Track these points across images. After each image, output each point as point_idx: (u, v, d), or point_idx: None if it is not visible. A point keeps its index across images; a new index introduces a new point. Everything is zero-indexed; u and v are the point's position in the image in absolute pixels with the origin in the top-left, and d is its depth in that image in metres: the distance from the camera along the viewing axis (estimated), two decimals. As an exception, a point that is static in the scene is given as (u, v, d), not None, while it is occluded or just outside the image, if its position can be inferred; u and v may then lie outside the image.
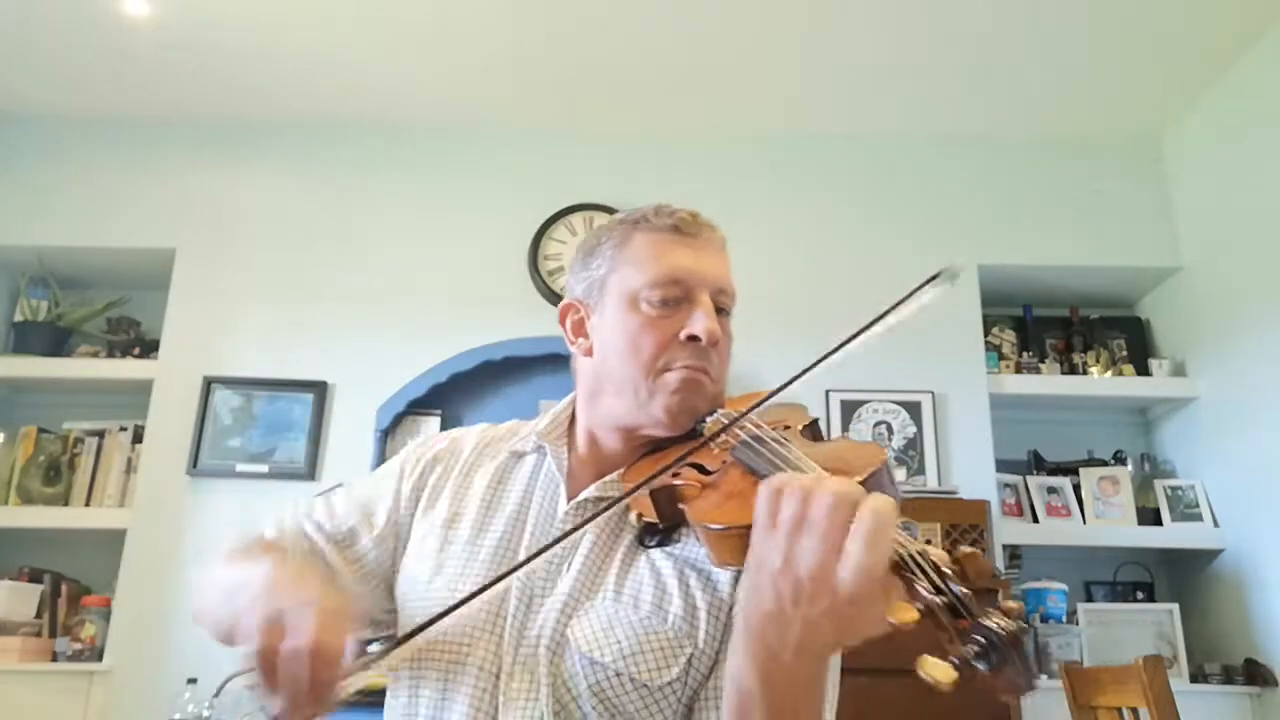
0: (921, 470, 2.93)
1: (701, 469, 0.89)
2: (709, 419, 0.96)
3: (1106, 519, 2.98)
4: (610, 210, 3.11)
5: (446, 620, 0.90)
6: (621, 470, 0.99)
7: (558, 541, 0.79)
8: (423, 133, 3.30)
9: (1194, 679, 2.74)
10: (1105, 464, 3.12)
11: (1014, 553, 2.95)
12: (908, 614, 0.57)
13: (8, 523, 2.96)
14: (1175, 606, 2.89)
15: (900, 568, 0.60)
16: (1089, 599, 3.04)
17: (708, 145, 3.29)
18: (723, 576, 0.90)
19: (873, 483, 0.71)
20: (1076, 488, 3.05)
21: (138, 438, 3.04)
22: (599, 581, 0.92)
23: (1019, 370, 3.15)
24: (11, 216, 3.19)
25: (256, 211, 3.23)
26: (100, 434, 3.10)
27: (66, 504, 3.01)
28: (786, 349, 2.90)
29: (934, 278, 0.82)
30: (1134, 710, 1.89)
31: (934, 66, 2.97)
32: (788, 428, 0.94)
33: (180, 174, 3.26)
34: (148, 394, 3.02)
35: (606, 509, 0.82)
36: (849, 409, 3.00)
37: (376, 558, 1.04)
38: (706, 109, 3.22)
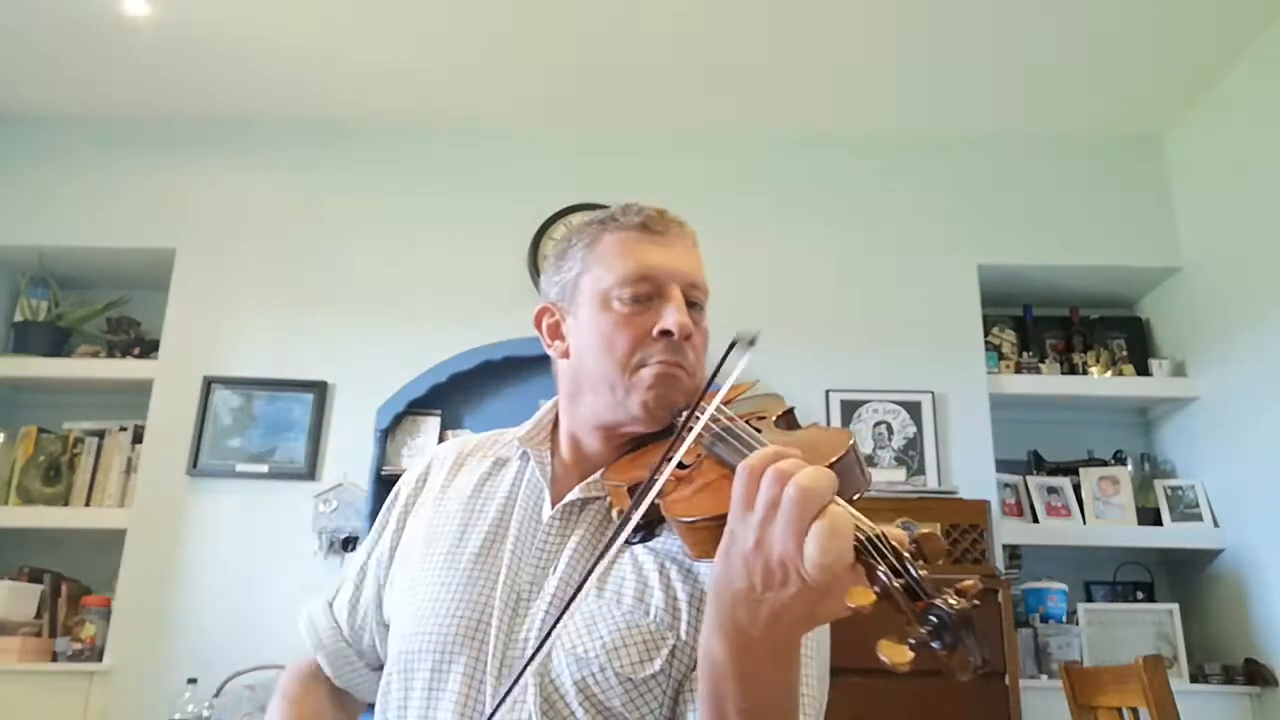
0: (921, 470, 2.93)
1: (679, 464, 0.89)
2: (684, 413, 0.97)
3: (1106, 519, 2.98)
4: (610, 210, 3.10)
5: (439, 626, 0.93)
6: (602, 470, 0.99)
7: (595, 564, 0.78)
8: (423, 133, 3.30)
9: (1194, 679, 2.74)
10: (1105, 464, 3.12)
11: (1014, 553, 2.95)
12: (864, 598, 0.58)
13: (8, 523, 2.96)
14: (1175, 606, 2.89)
15: (860, 552, 0.61)
16: (1089, 599, 3.04)
17: (708, 145, 3.29)
18: (702, 568, 0.91)
19: (841, 466, 0.71)
20: (1076, 488, 3.05)
21: (138, 438, 3.04)
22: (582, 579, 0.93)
23: (1019, 370, 3.15)
24: (11, 216, 3.20)
25: (256, 211, 3.23)
26: (100, 434, 3.10)
27: (66, 504, 3.01)
28: (787, 348, 2.92)
29: (731, 346, 0.84)
30: (1134, 710, 1.89)
31: (934, 66, 2.97)
32: (763, 418, 0.95)
33: (180, 174, 3.26)
34: (148, 394, 3.02)
35: (611, 543, 0.80)
36: (849, 409, 3.00)
37: (376, 616, 1.08)
38: (707, 109, 3.22)
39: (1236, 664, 2.73)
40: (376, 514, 1.16)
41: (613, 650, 0.87)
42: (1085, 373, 3.16)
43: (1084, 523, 2.98)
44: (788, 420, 0.97)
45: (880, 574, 0.59)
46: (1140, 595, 3.03)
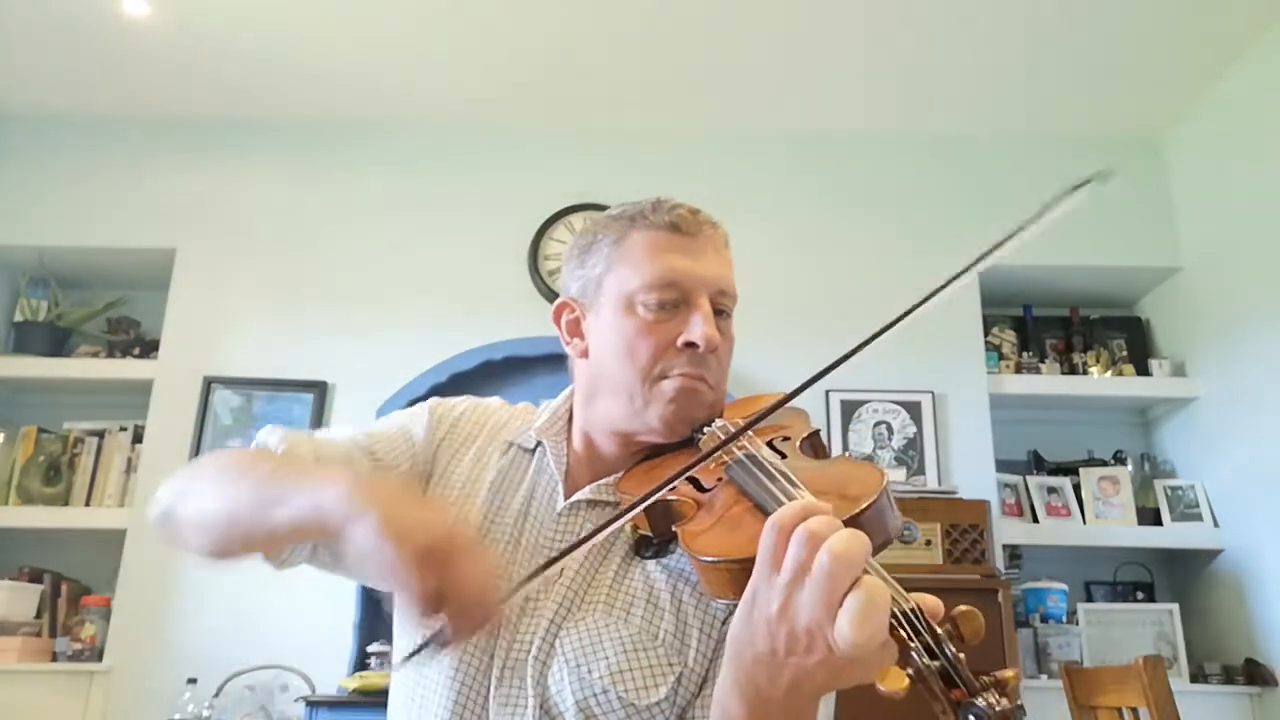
0: (921, 470, 2.93)
1: (697, 484, 0.86)
2: (708, 428, 0.93)
3: (1106, 519, 2.98)
4: (610, 210, 3.11)
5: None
6: (617, 476, 0.96)
7: (563, 555, 0.74)
8: (423, 133, 3.30)
9: (1194, 679, 2.75)
10: (1105, 464, 3.12)
11: (1014, 553, 2.95)
12: (898, 682, 0.55)
13: (8, 523, 2.96)
14: (1175, 606, 2.89)
15: (894, 628, 0.58)
16: (1089, 599, 3.04)
17: (708, 145, 3.29)
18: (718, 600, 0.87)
19: (874, 512, 0.68)
20: (1076, 488, 3.05)
21: (138, 438, 3.04)
22: (591, 592, 0.90)
23: (1019, 370, 3.15)
24: (11, 216, 3.19)
25: (256, 211, 3.23)
26: (100, 434, 3.10)
27: (66, 504, 3.01)
28: (786, 350, 2.92)
29: (1085, 183, 0.76)
30: (1134, 710, 1.89)
31: (934, 66, 2.97)
32: (787, 439, 0.91)
33: (180, 174, 3.26)
34: (148, 394, 3.02)
35: (601, 530, 0.76)
36: (849, 409, 3.00)
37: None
38: (707, 109, 3.23)
39: (1236, 664, 2.73)
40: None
41: (617, 673, 0.83)
42: (1085, 373, 3.16)
43: (1084, 523, 2.98)
44: (813, 444, 0.93)
45: (914, 654, 0.56)
46: (1140, 595, 3.03)
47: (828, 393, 2.99)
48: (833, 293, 3.11)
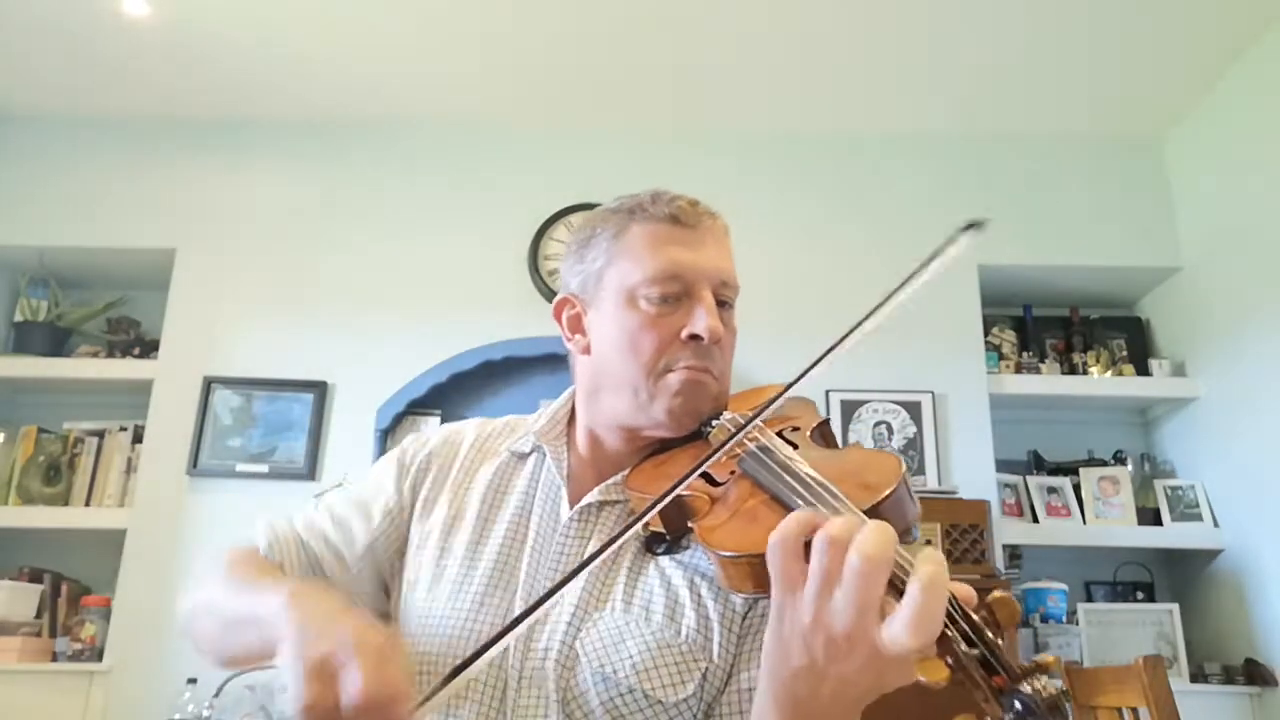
0: (921, 470, 2.93)
1: (710, 479, 0.85)
2: (716, 421, 0.92)
3: (1106, 519, 2.98)
4: (610, 210, 3.10)
5: (457, 631, 0.87)
6: (625, 472, 0.94)
7: (583, 567, 0.73)
8: (423, 133, 3.30)
9: (1194, 679, 2.74)
10: (1105, 464, 3.12)
11: (1014, 553, 2.95)
12: (939, 672, 0.53)
13: (8, 523, 2.96)
14: (1175, 606, 2.89)
15: None
16: (1089, 599, 3.04)
17: (708, 145, 3.28)
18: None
19: (893, 502, 0.67)
20: (1076, 488, 3.04)
21: (138, 438, 3.04)
22: (607, 590, 0.88)
23: (1019, 370, 3.15)
24: (11, 216, 3.19)
25: (256, 211, 3.23)
26: (100, 434, 3.09)
27: (66, 504, 3.00)
28: (786, 351, 2.91)
29: (966, 228, 0.77)
30: (1134, 710, 1.89)
31: (934, 66, 2.97)
32: (797, 429, 0.90)
33: (180, 174, 3.26)
34: (148, 394, 3.02)
35: (619, 537, 0.75)
36: (849, 409, 3.00)
37: (374, 560, 0.99)
38: (708, 109, 3.22)
39: (1236, 664, 2.72)
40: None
41: (643, 671, 0.82)
42: (1085, 373, 3.16)
43: (1084, 523, 2.97)
44: (823, 433, 0.92)
45: (953, 643, 0.54)
46: (1140, 595, 3.03)
47: (828, 392, 2.99)
48: (833, 292, 3.11)
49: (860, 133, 3.29)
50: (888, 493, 0.66)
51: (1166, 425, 3.23)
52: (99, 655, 2.77)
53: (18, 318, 3.21)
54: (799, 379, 0.80)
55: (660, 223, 0.94)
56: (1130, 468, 3.09)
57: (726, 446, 0.78)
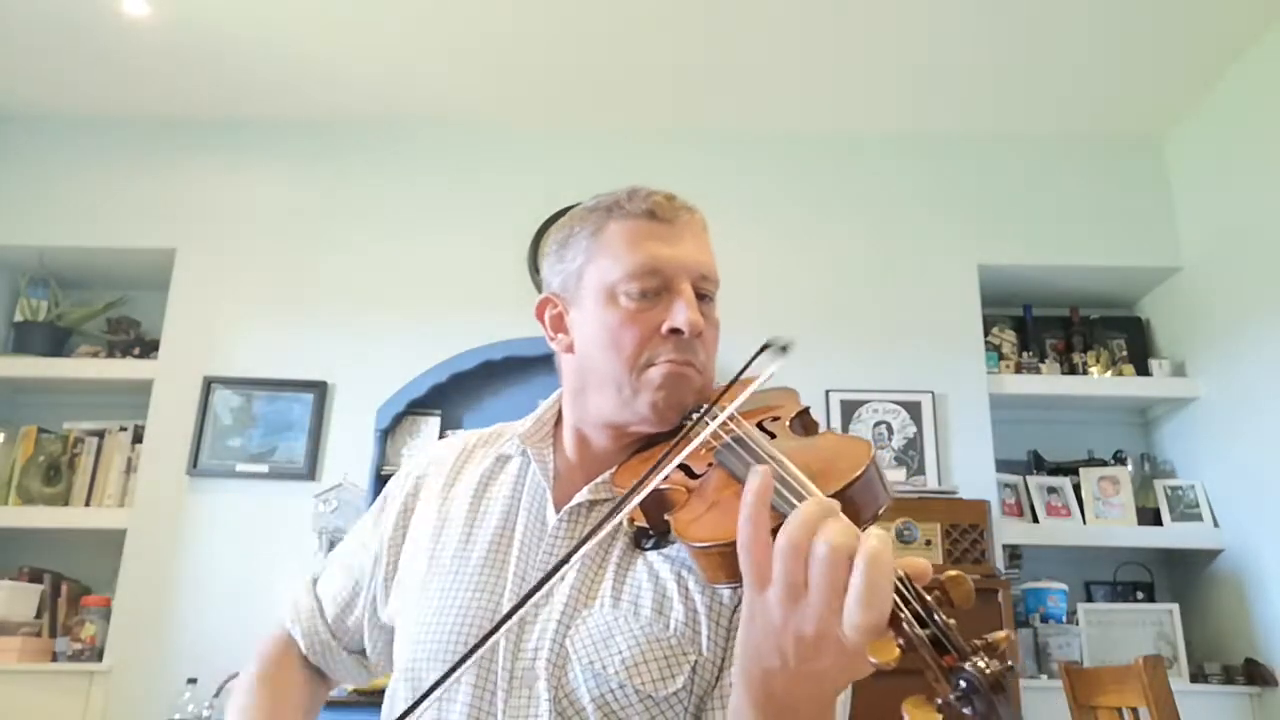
0: (921, 470, 2.93)
1: (689, 471, 0.85)
2: (697, 414, 0.92)
3: (1106, 519, 2.98)
4: (610, 210, 3.11)
5: (446, 635, 0.89)
6: (612, 470, 0.95)
7: (562, 564, 0.75)
8: (422, 133, 3.30)
9: (1194, 679, 2.75)
10: (1105, 464, 3.12)
11: (1014, 553, 2.95)
12: (888, 653, 0.54)
13: (8, 523, 2.96)
14: (1175, 606, 2.89)
15: None
16: (1089, 599, 3.04)
17: (708, 145, 3.28)
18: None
19: (863, 483, 0.67)
20: (1076, 488, 3.05)
21: (138, 438, 3.04)
22: (595, 587, 0.88)
23: (1019, 370, 3.15)
24: (11, 216, 3.20)
25: (256, 211, 3.23)
26: (100, 434, 3.10)
27: (66, 504, 3.01)
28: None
29: (762, 349, 0.80)
30: (1134, 710, 1.89)
31: (934, 67, 2.97)
32: (776, 419, 0.90)
33: (180, 174, 3.26)
34: (148, 394, 3.02)
35: (597, 529, 0.77)
36: (849, 409, 3.00)
37: (371, 617, 1.05)
38: (707, 109, 3.22)
39: (1236, 664, 2.73)
40: (375, 514, 1.13)
41: (632, 666, 0.82)
42: (1085, 373, 3.16)
43: (1084, 523, 2.98)
44: (803, 421, 0.93)
45: (904, 624, 0.55)
46: (1140, 595, 3.03)
47: (828, 392, 3.00)
48: (830, 292, 3.11)
49: (860, 133, 3.29)
50: (855, 475, 0.67)
51: (1166, 425, 3.23)
52: (99, 655, 2.77)
53: (18, 318, 3.21)
54: (734, 378, 0.86)
55: (637, 219, 0.94)
56: (1130, 468, 3.10)
57: (701, 439, 0.79)
